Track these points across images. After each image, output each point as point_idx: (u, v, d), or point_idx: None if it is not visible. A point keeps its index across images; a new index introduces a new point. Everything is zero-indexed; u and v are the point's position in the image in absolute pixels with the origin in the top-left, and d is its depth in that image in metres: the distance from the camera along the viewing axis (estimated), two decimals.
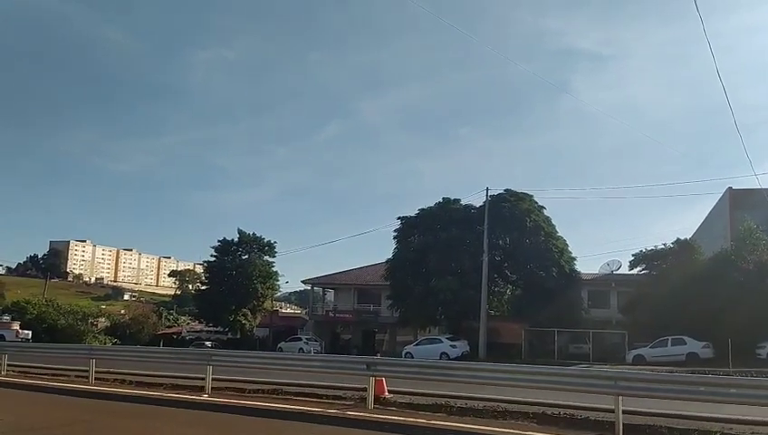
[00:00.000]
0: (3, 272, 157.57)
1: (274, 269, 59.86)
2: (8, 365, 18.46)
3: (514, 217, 42.47)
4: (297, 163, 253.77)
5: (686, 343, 34.13)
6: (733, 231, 41.62)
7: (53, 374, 18.03)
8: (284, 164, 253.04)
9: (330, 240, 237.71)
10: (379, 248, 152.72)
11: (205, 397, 13.26)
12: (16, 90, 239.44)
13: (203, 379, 14.15)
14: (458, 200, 45.82)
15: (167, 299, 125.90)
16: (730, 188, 46.36)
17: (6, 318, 51.12)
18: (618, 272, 47.50)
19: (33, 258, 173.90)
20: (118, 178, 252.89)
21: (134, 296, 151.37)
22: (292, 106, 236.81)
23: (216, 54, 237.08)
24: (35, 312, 55.22)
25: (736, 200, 45.21)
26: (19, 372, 18.40)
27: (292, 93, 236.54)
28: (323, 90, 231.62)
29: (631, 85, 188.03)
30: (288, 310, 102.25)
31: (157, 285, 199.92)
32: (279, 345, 48.48)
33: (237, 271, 56.78)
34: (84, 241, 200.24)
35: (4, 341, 35.28)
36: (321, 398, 13.11)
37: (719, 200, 48.92)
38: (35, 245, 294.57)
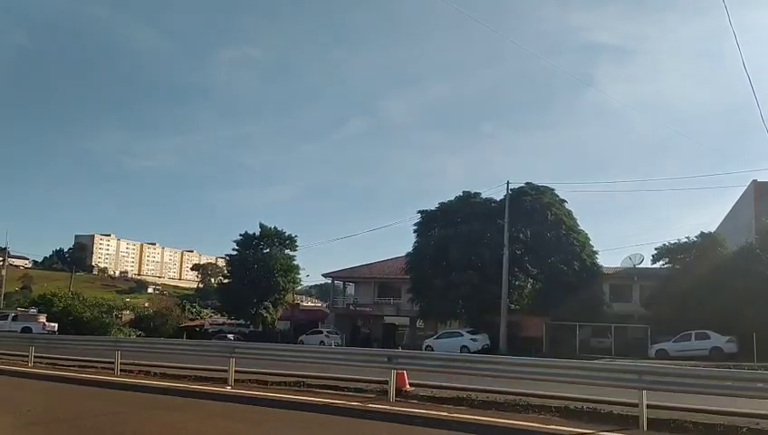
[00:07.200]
0: (30, 265, 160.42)
1: (295, 263, 60.37)
2: (35, 357, 18.78)
3: (535, 211, 42.20)
4: (320, 160, 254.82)
5: (709, 338, 33.71)
6: (758, 224, 40.92)
7: (80, 366, 18.30)
8: (308, 161, 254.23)
9: (350, 234, 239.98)
10: (400, 243, 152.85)
11: (228, 389, 13.38)
12: (47, 92, 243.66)
13: (226, 371, 14.30)
14: (479, 194, 45.63)
15: (189, 292, 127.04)
16: (755, 180, 45.55)
17: (33, 311, 51.81)
18: (640, 266, 46.97)
19: (59, 252, 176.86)
20: (143, 176, 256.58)
21: (157, 290, 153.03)
22: (316, 104, 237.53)
23: (242, 53, 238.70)
24: (61, 305, 55.92)
25: (761, 193, 44.42)
26: (46, 363, 18.70)
27: (316, 91, 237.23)
28: (347, 87, 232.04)
29: (658, 80, 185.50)
30: (309, 303, 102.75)
31: (180, 279, 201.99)
32: (300, 338, 48.71)
33: (259, 265, 57.24)
34: (109, 235, 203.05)
35: (32, 333, 35.83)
36: (343, 390, 13.16)
37: (744, 193, 48.12)
38: (61, 239, 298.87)
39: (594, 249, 43.51)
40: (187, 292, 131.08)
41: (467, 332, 39.70)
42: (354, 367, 13.72)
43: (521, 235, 43.37)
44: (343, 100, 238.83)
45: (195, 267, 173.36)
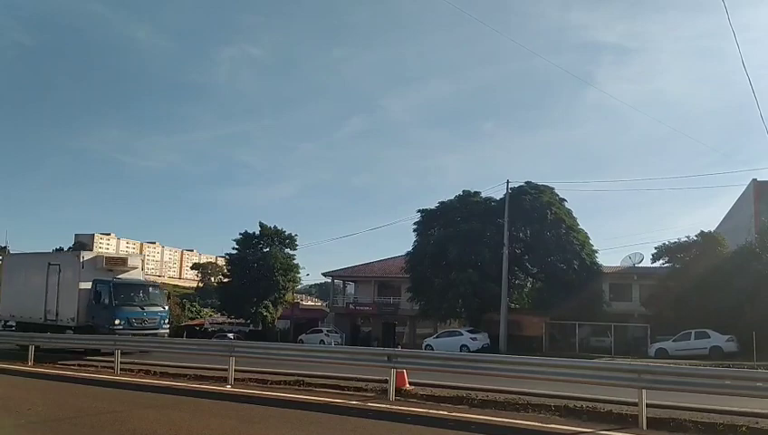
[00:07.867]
0: None
1: (295, 262, 60.31)
2: (36, 356, 18.78)
3: (535, 210, 42.18)
4: (320, 159, 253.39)
5: (709, 337, 33.71)
6: (757, 223, 40.93)
7: (80, 365, 18.32)
8: (308, 160, 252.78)
9: (350, 233, 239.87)
10: (400, 242, 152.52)
11: (228, 388, 13.40)
12: (45, 89, 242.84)
13: (226, 370, 14.32)
14: (478, 193, 45.58)
15: (189, 291, 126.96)
16: (755, 180, 45.55)
17: None
18: (640, 265, 47.01)
19: (58, 251, 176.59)
20: (143, 175, 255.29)
21: None
22: (316, 102, 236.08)
23: (242, 51, 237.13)
24: None
25: (761, 192, 44.44)
26: (47, 362, 18.71)
27: (316, 90, 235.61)
28: (347, 86, 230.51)
29: (658, 78, 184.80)
30: (309, 302, 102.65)
31: (180, 278, 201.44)
32: (300, 337, 48.80)
33: (259, 264, 57.22)
34: (109, 234, 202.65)
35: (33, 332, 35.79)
36: (343, 389, 13.17)
37: (743, 193, 48.13)
38: (61, 238, 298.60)
39: (594, 248, 43.48)
40: (187, 291, 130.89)
41: (467, 331, 39.72)
42: (354, 366, 13.71)
43: (520, 234, 43.42)
44: (343, 98, 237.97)
45: (195, 266, 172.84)
